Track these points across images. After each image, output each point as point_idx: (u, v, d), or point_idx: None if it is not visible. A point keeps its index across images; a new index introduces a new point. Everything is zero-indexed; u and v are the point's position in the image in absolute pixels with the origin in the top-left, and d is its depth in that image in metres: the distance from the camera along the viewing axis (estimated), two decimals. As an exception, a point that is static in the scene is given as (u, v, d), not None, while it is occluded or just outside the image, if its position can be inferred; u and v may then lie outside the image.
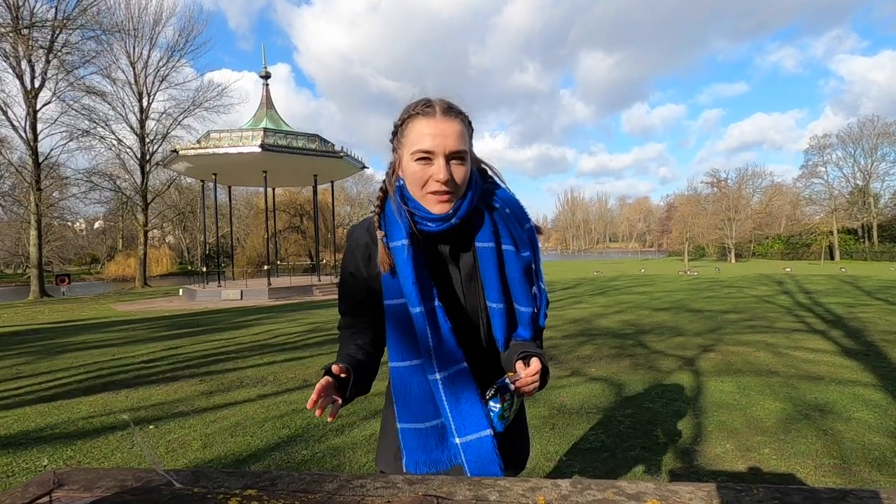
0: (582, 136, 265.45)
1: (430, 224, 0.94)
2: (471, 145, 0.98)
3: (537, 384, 0.91)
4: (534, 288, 1.03)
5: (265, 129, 17.46)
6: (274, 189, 24.29)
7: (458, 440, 0.93)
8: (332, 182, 23.32)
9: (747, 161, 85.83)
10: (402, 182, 0.98)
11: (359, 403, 3.93)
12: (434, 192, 0.92)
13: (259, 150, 16.48)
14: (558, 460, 2.81)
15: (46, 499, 0.74)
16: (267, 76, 21.13)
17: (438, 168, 0.90)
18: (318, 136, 18.66)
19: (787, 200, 51.04)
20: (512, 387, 0.91)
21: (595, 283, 18.67)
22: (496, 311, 0.99)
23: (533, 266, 1.02)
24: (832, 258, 42.36)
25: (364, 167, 21.35)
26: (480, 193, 0.99)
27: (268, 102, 20.83)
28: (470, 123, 0.98)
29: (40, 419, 3.76)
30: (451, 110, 0.93)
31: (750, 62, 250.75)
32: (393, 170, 1.01)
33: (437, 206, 0.93)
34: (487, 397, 0.94)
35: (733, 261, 44.85)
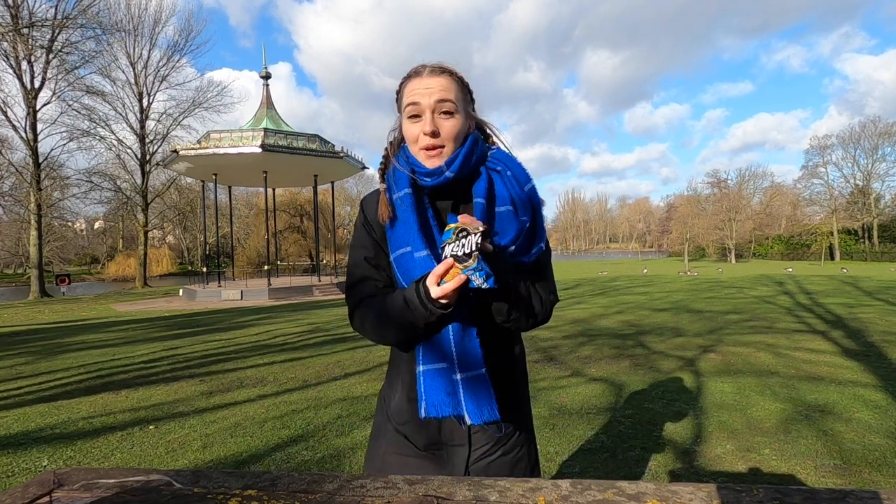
0: (585, 135, 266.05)
1: (426, 179, 0.96)
2: (466, 103, 0.99)
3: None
4: (532, 249, 0.99)
5: (265, 130, 17.48)
6: (274, 189, 24.31)
7: (458, 376, 0.94)
8: (333, 182, 23.35)
9: (750, 161, 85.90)
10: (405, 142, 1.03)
11: (358, 404, 3.93)
12: (425, 148, 0.95)
13: (259, 150, 16.50)
14: (558, 461, 2.81)
15: (46, 499, 0.74)
16: (267, 76, 21.16)
17: (425, 121, 0.94)
18: (318, 136, 18.68)
19: (787, 201, 51.12)
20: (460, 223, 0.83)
21: (595, 283, 18.67)
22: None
23: (528, 227, 0.98)
24: (832, 259, 42.36)
25: (364, 167, 21.35)
26: (481, 154, 0.99)
27: (268, 102, 20.85)
28: (463, 82, 0.99)
29: (40, 419, 3.76)
30: (438, 68, 0.96)
31: (755, 61, 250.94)
32: (397, 130, 1.05)
33: (428, 161, 0.96)
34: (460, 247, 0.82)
35: (733, 261, 44.85)
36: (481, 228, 0.83)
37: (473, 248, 0.82)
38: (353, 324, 1.06)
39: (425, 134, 0.94)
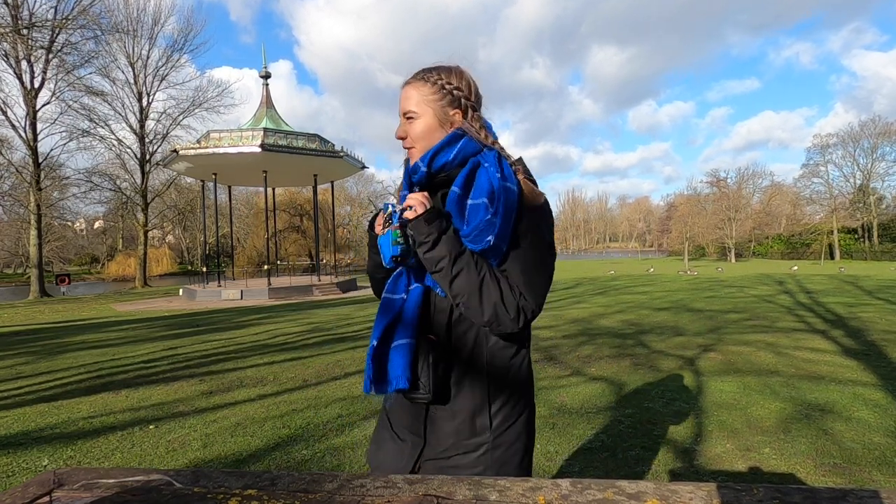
0: (588, 133, 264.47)
1: (413, 176, 1.08)
2: (440, 102, 1.06)
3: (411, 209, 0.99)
4: (485, 238, 0.95)
5: (265, 129, 17.48)
6: (274, 189, 24.31)
7: (373, 347, 1.03)
8: (332, 182, 23.34)
9: (753, 160, 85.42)
10: None
11: (358, 403, 3.93)
12: (405, 148, 1.10)
13: (259, 149, 16.50)
14: (558, 460, 2.81)
15: (46, 499, 0.74)
16: (267, 76, 21.16)
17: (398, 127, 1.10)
18: (318, 135, 18.68)
19: (787, 200, 51.10)
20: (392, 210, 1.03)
21: (595, 282, 18.67)
22: None
23: (488, 219, 0.94)
24: (832, 258, 42.37)
25: (364, 167, 21.37)
26: (466, 150, 1.03)
27: (268, 102, 20.86)
28: (439, 83, 1.06)
29: (40, 419, 3.76)
30: (413, 78, 1.09)
31: (763, 57, 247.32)
32: None
33: (411, 160, 1.09)
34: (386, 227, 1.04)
35: (733, 260, 44.87)
36: (398, 208, 1.02)
37: (392, 222, 1.01)
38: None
39: (397, 138, 1.10)
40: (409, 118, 1.07)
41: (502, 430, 1.04)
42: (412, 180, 1.09)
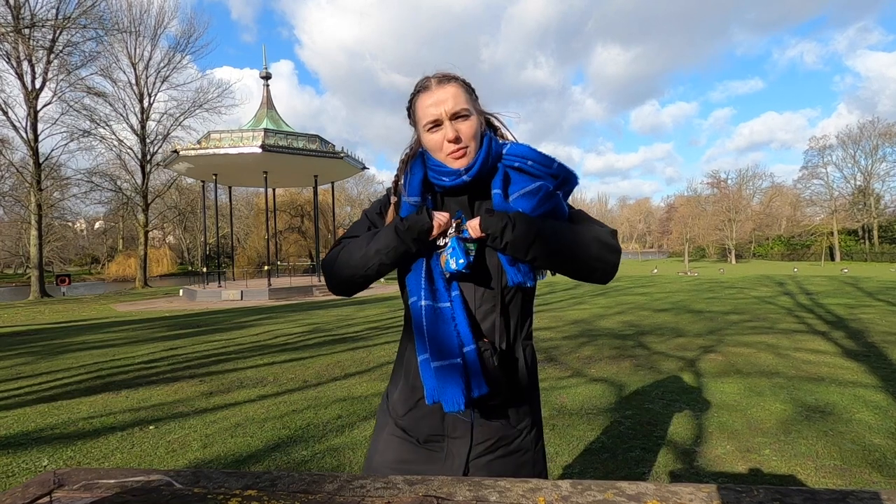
0: (591, 134, 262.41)
1: (444, 179, 1.03)
2: (474, 103, 1.07)
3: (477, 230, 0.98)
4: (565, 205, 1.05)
5: (266, 130, 17.49)
6: (274, 189, 24.33)
7: (434, 364, 0.97)
8: (333, 182, 23.36)
9: (755, 161, 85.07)
10: (423, 150, 1.09)
11: (358, 404, 3.93)
12: (451, 153, 1.02)
13: (259, 150, 16.51)
14: (559, 461, 2.81)
15: (46, 499, 0.74)
16: (268, 77, 21.18)
17: (446, 129, 1.01)
18: (318, 136, 18.69)
19: (787, 201, 51.12)
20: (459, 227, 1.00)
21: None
22: (505, 257, 1.00)
23: (561, 196, 1.04)
24: (832, 259, 42.36)
25: (364, 168, 21.38)
26: (496, 154, 1.04)
27: (268, 103, 20.88)
28: (468, 85, 1.07)
29: (40, 419, 3.76)
30: (444, 78, 1.05)
31: (767, 57, 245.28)
32: (415, 141, 1.12)
33: (455, 163, 1.02)
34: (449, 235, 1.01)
35: (733, 262, 44.87)
36: (459, 219, 0.99)
37: (463, 232, 0.98)
38: (327, 259, 1.11)
39: (449, 141, 1.00)
40: (461, 117, 1.01)
41: (540, 429, 1.11)
42: (441, 184, 1.03)
